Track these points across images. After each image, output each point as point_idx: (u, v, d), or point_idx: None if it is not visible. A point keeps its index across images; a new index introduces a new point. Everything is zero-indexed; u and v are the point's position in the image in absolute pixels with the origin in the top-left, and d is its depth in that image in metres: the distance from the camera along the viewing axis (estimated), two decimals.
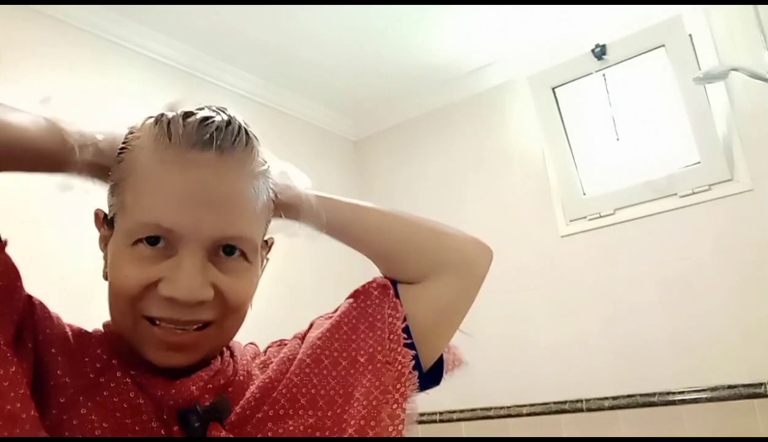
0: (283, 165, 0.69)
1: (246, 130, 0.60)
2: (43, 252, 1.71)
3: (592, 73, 2.39)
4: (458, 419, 2.49)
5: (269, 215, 0.66)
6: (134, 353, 0.60)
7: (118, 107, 2.02)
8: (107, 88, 2.03)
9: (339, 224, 0.74)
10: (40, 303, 0.60)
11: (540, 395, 2.32)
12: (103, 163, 0.61)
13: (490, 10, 2.24)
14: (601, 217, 2.33)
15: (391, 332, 0.70)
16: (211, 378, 0.62)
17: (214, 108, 0.59)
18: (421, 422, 2.59)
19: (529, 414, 2.33)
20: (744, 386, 1.96)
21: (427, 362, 0.75)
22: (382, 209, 0.78)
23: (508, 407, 2.38)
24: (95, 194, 0.65)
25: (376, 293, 0.75)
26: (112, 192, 0.60)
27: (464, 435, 2.47)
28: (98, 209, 0.64)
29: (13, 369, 0.50)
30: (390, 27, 2.30)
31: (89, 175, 0.62)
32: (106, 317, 0.63)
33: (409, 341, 0.71)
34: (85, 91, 1.96)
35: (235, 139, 0.58)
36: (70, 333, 0.60)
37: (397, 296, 0.74)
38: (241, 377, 0.66)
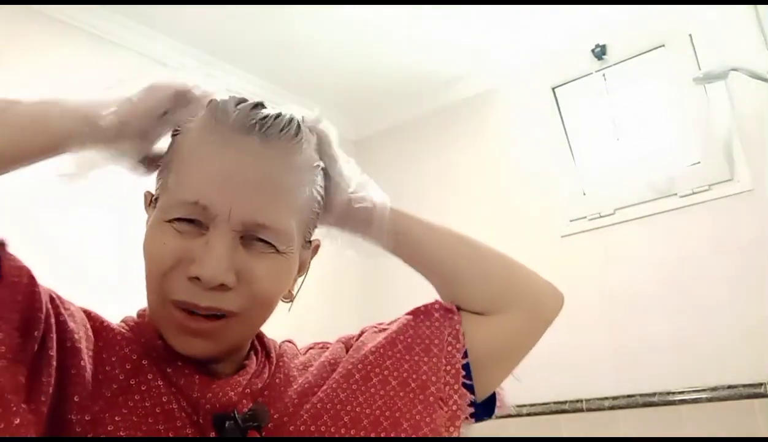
0: (363, 178, 0.70)
1: (299, 124, 0.60)
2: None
3: (592, 73, 2.39)
4: None
5: (314, 215, 0.64)
6: (169, 348, 0.59)
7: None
8: (107, 88, 2.02)
9: (408, 244, 0.71)
10: (59, 299, 0.57)
11: (540, 395, 2.32)
12: (130, 129, 0.60)
13: (490, 10, 2.24)
14: (601, 217, 2.33)
15: (448, 363, 0.68)
16: (249, 382, 0.60)
17: (274, 104, 0.61)
18: None
19: (529, 414, 2.33)
20: (744, 386, 1.96)
21: (479, 397, 0.73)
22: (455, 232, 0.76)
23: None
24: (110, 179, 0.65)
25: (437, 315, 0.72)
26: (160, 174, 0.62)
27: (464, 435, 2.46)
28: (147, 191, 0.64)
29: (17, 421, 0.46)
30: (390, 27, 2.30)
31: (116, 149, 0.61)
32: (127, 311, 0.63)
33: (468, 383, 0.68)
34: (85, 91, 1.96)
35: (282, 129, 0.58)
36: (92, 332, 0.58)
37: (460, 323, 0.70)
38: (278, 380, 0.64)
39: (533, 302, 0.76)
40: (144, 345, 0.60)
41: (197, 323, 0.56)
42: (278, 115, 0.58)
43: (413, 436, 0.61)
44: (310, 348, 0.74)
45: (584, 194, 2.40)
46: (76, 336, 0.54)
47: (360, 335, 0.73)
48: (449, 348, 0.68)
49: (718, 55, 2.14)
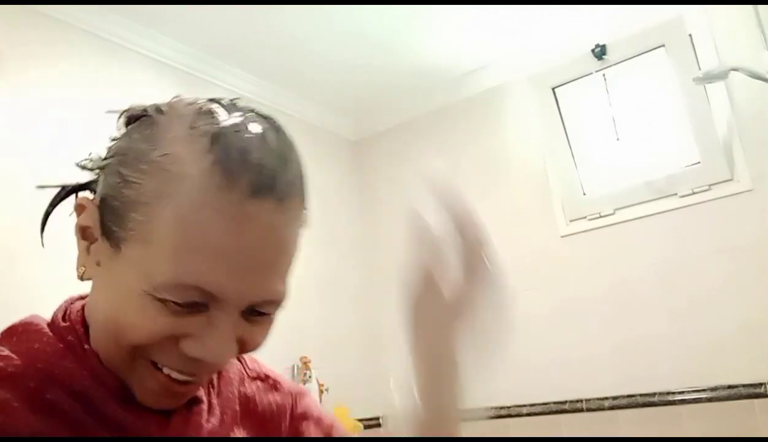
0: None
1: (302, 179, 0.51)
2: None
3: (592, 73, 2.39)
4: None
5: None
6: (114, 382, 0.51)
7: (118, 107, 2.02)
8: (107, 88, 2.03)
9: None
10: None
11: (540, 395, 2.33)
12: None
13: (490, 10, 2.24)
14: (601, 217, 2.33)
15: None
16: (206, 421, 0.56)
17: (257, 118, 0.51)
18: None
19: (529, 414, 2.33)
20: (744, 386, 1.96)
21: None
22: None
23: (508, 407, 2.38)
24: None
25: None
26: (126, 205, 0.48)
27: (464, 435, 2.46)
28: (84, 199, 0.53)
29: None
30: (390, 27, 2.30)
31: None
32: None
33: None
34: (85, 91, 1.96)
35: (296, 182, 0.50)
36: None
37: None
38: (225, 417, 0.59)
39: None
40: (66, 385, 0.49)
41: (182, 388, 0.51)
42: (287, 160, 0.49)
43: None
44: (259, 378, 0.67)
45: (584, 194, 2.40)
46: None
47: (304, 412, 0.67)
48: None
49: (718, 55, 2.14)
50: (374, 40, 2.37)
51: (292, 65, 2.49)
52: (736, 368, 1.99)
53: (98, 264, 0.51)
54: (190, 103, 0.51)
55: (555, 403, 2.28)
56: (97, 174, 0.54)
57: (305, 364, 2.35)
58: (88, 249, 0.52)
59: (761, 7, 2.05)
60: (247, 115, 0.50)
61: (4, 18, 1.80)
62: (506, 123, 2.63)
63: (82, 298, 0.58)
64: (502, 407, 2.39)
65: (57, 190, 0.58)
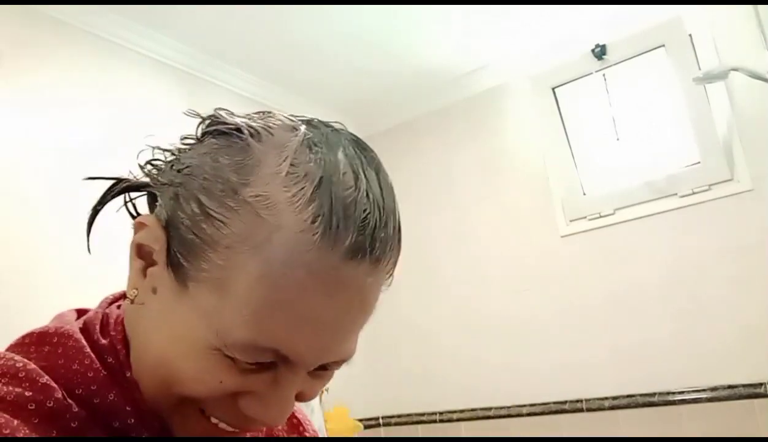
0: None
1: (399, 229, 0.46)
2: None
3: (592, 73, 2.40)
4: (458, 419, 2.49)
5: None
6: (157, 423, 0.47)
7: (118, 107, 2.02)
8: (107, 88, 2.03)
9: None
10: None
11: (540, 395, 2.33)
12: None
13: (490, 11, 2.24)
14: (601, 217, 2.33)
15: None
16: None
17: (359, 152, 0.46)
18: (421, 422, 2.59)
19: (529, 414, 2.33)
20: (744, 386, 1.96)
21: None
22: None
23: (508, 407, 2.38)
24: None
25: None
26: (204, 243, 0.42)
27: (464, 435, 2.47)
28: (147, 218, 0.47)
29: None
30: (391, 27, 2.30)
31: None
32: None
33: None
34: (85, 91, 1.96)
35: (392, 237, 0.44)
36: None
37: None
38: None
39: None
40: (102, 428, 0.44)
41: (226, 435, 0.48)
42: (392, 214, 0.45)
43: None
44: (291, 416, 0.64)
45: (584, 194, 2.40)
46: None
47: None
48: None
49: (718, 55, 2.14)
50: (374, 40, 2.37)
51: (292, 65, 2.49)
52: (736, 368, 1.99)
53: (154, 291, 0.45)
54: (289, 127, 0.45)
55: (555, 403, 2.29)
56: (162, 183, 0.47)
57: None
58: (144, 271, 0.46)
59: (761, 7, 2.05)
60: (348, 151, 0.45)
61: (4, 18, 1.80)
62: (506, 123, 2.63)
63: (116, 300, 0.53)
64: (502, 407, 2.39)
65: (106, 184, 0.51)
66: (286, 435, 0.62)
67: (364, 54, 2.46)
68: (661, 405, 2.09)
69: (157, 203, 0.48)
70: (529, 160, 2.54)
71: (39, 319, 0.53)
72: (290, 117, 0.47)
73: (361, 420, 2.45)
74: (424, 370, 2.63)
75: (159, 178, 0.48)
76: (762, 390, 1.94)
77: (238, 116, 0.46)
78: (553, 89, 2.50)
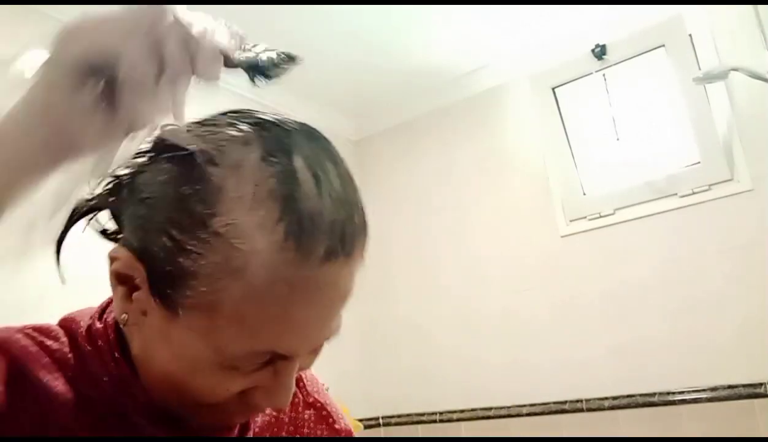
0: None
1: (364, 212, 0.49)
2: None
3: (592, 73, 2.39)
4: (458, 419, 2.49)
5: None
6: (146, 396, 0.50)
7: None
8: None
9: None
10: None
11: (540, 395, 2.33)
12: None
13: (490, 10, 2.24)
14: (601, 217, 2.33)
15: None
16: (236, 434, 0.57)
17: (313, 148, 0.46)
18: (421, 422, 2.59)
19: (529, 414, 2.33)
20: (744, 386, 1.96)
21: None
22: None
23: (508, 407, 2.38)
24: None
25: None
26: (185, 273, 0.43)
27: (464, 435, 2.47)
28: (119, 250, 0.47)
29: None
30: (391, 27, 2.30)
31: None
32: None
33: None
34: None
35: (360, 227, 0.48)
36: (3, 399, 0.45)
37: None
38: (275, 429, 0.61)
39: None
40: (103, 398, 0.49)
41: (232, 423, 0.54)
42: (355, 205, 0.48)
43: None
44: (314, 407, 0.66)
45: (584, 194, 2.40)
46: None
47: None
48: None
49: (718, 55, 2.14)
50: (375, 40, 2.37)
51: None
52: (736, 368, 1.99)
53: (145, 314, 0.46)
54: (240, 140, 0.45)
55: (555, 403, 2.29)
56: (123, 210, 0.48)
57: None
58: (128, 296, 0.47)
59: (761, 7, 2.05)
60: (303, 152, 0.45)
61: (4, 18, 1.80)
62: (506, 123, 2.63)
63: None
64: (502, 407, 2.39)
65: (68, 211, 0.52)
66: (314, 426, 0.65)
67: (364, 54, 2.46)
68: (661, 405, 2.09)
69: (123, 229, 0.49)
70: (529, 160, 2.54)
71: None
72: (237, 121, 0.46)
73: (361, 420, 2.45)
74: (424, 370, 2.63)
75: (119, 205, 0.49)
76: (762, 390, 1.94)
77: (184, 132, 0.45)
78: (553, 89, 2.50)
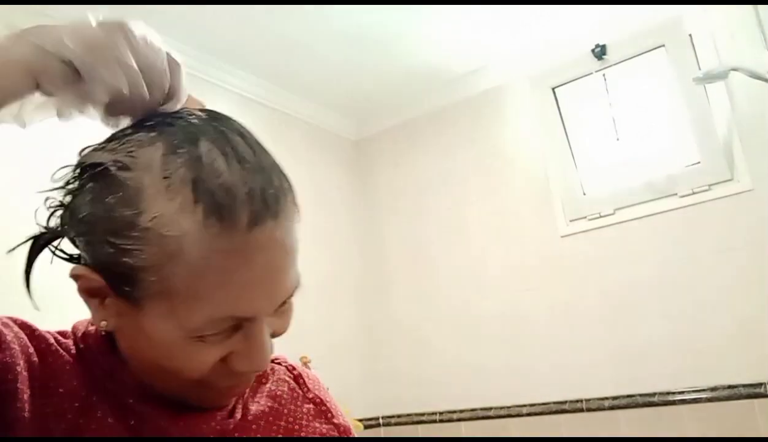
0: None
1: (283, 173, 0.52)
2: None
3: (592, 73, 2.40)
4: (458, 419, 2.49)
5: None
6: (134, 383, 0.55)
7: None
8: None
9: None
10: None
11: (540, 395, 2.33)
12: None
13: (490, 11, 2.24)
14: (601, 217, 2.33)
15: None
16: (224, 420, 0.58)
17: (216, 128, 0.50)
18: (421, 422, 2.59)
19: (529, 414, 2.33)
20: (744, 386, 1.96)
21: None
22: None
23: (508, 407, 2.38)
24: None
25: None
26: (133, 271, 0.48)
27: (464, 435, 2.47)
28: (78, 269, 0.52)
29: None
30: (391, 27, 2.30)
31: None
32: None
33: None
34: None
35: (281, 187, 0.50)
36: (37, 356, 0.52)
37: None
38: (254, 427, 0.61)
39: None
40: (96, 379, 0.54)
41: (228, 399, 0.58)
42: (271, 168, 0.51)
43: None
44: (314, 402, 0.69)
45: (584, 194, 2.41)
46: (9, 376, 0.49)
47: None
48: None
49: (718, 55, 2.14)
50: (375, 40, 2.37)
51: (292, 66, 2.49)
52: (736, 368, 1.99)
53: (120, 315, 0.52)
54: (146, 142, 0.49)
55: (555, 403, 2.29)
56: (70, 233, 0.53)
57: (305, 364, 2.35)
58: (102, 305, 0.52)
59: (761, 7, 2.05)
60: (208, 135, 0.49)
61: (4, 18, 1.80)
62: (506, 123, 2.63)
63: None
64: (502, 407, 2.39)
65: (28, 241, 0.56)
66: (313, 419, 0.67)
67: (364, 54, 2.46)
68: (661, 405, 2.09)
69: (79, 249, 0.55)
70: (529, 160, 2.54)
71: None
72: (142, 128, 0.50)
73: (361, 420, 2.46)
74: (424, 370, 2.63)
75: (69, 230, 0.53)
76: (762, 390, 1.94)
77: (98, 151, 0.51)
78: (553, 89, 2.50)
